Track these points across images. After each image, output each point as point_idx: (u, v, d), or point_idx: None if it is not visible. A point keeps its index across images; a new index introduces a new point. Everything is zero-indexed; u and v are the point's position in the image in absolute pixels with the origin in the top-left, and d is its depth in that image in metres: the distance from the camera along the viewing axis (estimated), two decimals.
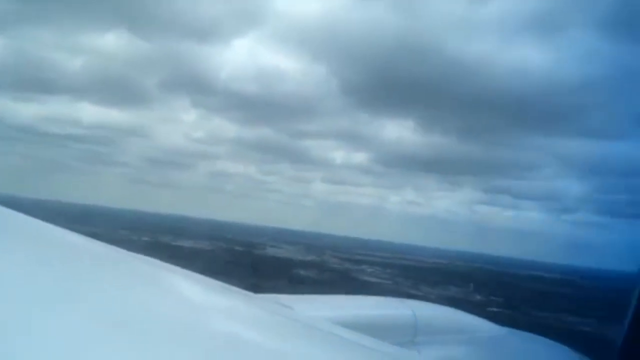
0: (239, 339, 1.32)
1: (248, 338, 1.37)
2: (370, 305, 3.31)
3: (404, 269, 66.83)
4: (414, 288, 46.93)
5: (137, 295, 1.41)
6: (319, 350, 1.54)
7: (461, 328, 3.23)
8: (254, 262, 50.68)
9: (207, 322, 1.40)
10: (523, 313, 40.40)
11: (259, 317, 1.73)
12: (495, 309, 39.32)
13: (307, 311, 2.38)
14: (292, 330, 1.71)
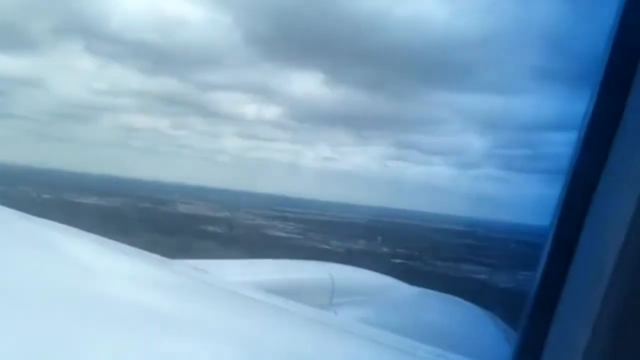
0: (152, 306, 1.30)
1: (161, 304, 1.34)
2: (288, 268, 3.39)
3: (317, 224, 67.75)
4: (324, 242, 47.68)
5: (32, 262, 1.35)
6: (234, 314, 1.51)
7: (377, 289, 3.36)
8: (159, 218, 49.51)
9: (118, 289, 1.36)
10: (425, 263, 42.17)
11: (171, 281, 1.73)
12: (399, 260, 40.81)
13: (225, 275, 2.37)
14: (207, 295, 1.70)
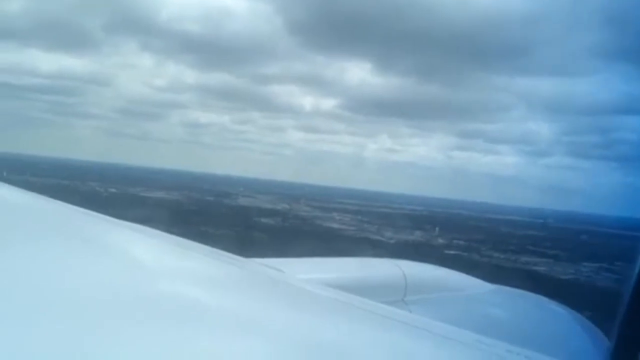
0: (226, 306, 1.31)
1: (235, 303, 1.35)
2: (360, 266, 3.38)
3: (375, 215, 67.40)
4: (377, 233, 47.39)
5: (95, 260, 1.37)
6: (310, 312, 1.50)
7: (451, 286, 3.25)
8: (217, 210, 50.83)
9: (190, 288, 1.37)
10: (480, 255, 41.06)
11: (245, 280, 1.74)
12: (452, 252, 39.93)
13: (298, 274, 2.36)
14: (283, 294, 1.69)
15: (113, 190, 60.63)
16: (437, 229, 53.07)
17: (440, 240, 47.57)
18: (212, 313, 1.23)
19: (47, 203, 2.26)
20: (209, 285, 1.55)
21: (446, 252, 39.51)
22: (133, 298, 1.18)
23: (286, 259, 2.92)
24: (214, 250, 2.05)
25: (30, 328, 0.90)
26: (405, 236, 47.22)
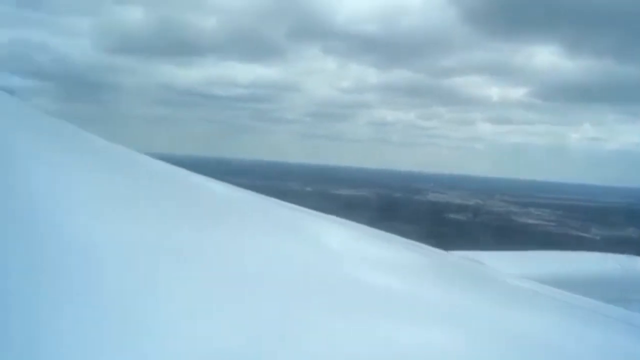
0: (427, 298, 1.30)
1: (437, 296, 1.33)
2: (569, 260, 3.11)
3: (577, 210, 61.55)
4: (582, 230, 43.10)
5: (313, 251, 1.50)
6: (516, 308, 1.41)
7: None
8: (405, 206, 50.76)
9: (391, 280, 1.37)
10: None
11: (446, 272, 1.70)
12: None
13: (501, 267, 2.27)
14: (485, 287, 1.62)
15: (309, 189, 64.31)
16: None
17: None
18: (415, 305, 1.20)
19: (264, 200, 2.33)
20: (411, 276, 1.52)
21: None
22: (338, 287, 1.19)
23: (486, 252, 2.75)
24: (412, 242, 2.01)
25: (244, 308, 0.96)
26: (616, 232, 42.22)
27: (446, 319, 1.13)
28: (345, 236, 1.97)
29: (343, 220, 2.16)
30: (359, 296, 1.15)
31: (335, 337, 0.92)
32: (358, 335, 0.94)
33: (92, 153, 2.42)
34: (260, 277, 1.14)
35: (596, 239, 37.64)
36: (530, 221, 48.54)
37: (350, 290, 1.17)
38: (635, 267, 2.69)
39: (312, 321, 0.97)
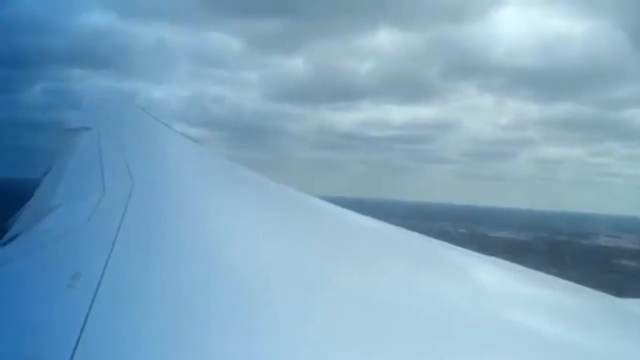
0: (606, 348, 1.27)
1: (616, 347, 1.30)
2: None
3: None
4: None
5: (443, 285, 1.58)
6: None
7: None
8: (568, 251, 46.55)
9: (562, 328, 1.36)
10: None
11: (625, 322, 1.62)
12: None
13: None
14: None
15: (462, 230, 62.15)
16: None
17: None
18: (577, 353, 1.16)
19: (416, 238, 2.41)
20: (578, 321, 1.46)
21: None
22: (492, 327, 1.21)
23: None
24: (579, 286, 1.91)
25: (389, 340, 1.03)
26: None
27: None
28: (506, 276, 1.95)
29: (501, 261, 2.15)
30: (517, 338, 1.12)
31: None
32: None
33: (264, 193, 2.91)
34: (430, 321, 1.17)
35: None
36: None
37: (509, 332, 1.15)
38: None
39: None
